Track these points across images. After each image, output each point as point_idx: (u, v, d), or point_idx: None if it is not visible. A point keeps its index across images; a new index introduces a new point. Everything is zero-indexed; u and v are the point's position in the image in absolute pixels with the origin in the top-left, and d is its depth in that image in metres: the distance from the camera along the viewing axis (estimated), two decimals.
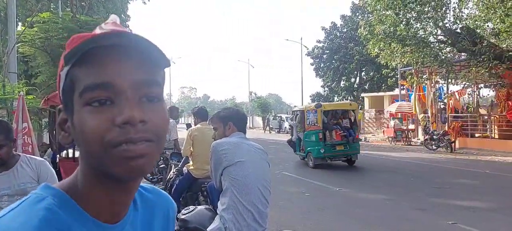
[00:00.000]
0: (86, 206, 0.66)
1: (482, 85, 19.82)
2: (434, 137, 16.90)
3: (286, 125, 31.22)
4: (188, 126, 8.16)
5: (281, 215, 6.59)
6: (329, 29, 37.12)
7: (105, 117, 0.61)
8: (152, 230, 0.79)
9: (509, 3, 13.47)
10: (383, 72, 23.57)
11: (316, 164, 12.06)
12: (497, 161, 13.63)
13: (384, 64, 18.94)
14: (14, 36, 9.62)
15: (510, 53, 14.32)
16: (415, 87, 19.85)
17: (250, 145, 2.85)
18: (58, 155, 6.46)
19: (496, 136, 17.38)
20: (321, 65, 37.75)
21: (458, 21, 16.70)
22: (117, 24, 0.66)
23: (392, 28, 16.72)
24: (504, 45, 15.62)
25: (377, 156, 15.68)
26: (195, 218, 3.07)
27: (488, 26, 16.51)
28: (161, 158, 6.85)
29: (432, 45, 17.26)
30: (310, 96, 39.87)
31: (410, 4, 15.89)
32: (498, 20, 14.49)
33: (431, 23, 16.96)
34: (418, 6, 15.92)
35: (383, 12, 17.03)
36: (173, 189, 5.22)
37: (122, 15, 21.67)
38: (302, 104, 15.00)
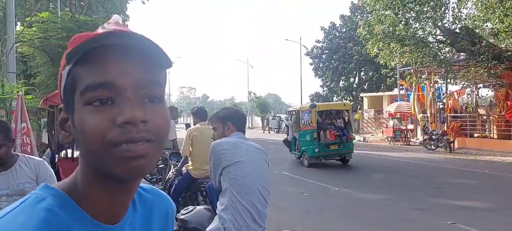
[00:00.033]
0: (85, 207, 0.66)
1: (481, 85, 19.84)
2: (433, 136, 16.92)
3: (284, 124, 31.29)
4: (187, 125, 8.15)
5: (280, 215, 6.59)
6: (328, 29, 37.12)
7: (106, 116, 0.60)
8: None
9: (508, 3, 13.49)
10: (382, 72, 23.58)
11: (310, 163, 12.27)
12: (496, 161, 13.65)
13: (383, 64, 18.95)
14: (13, 36, 9.62)
15: (509, 53, 14.34)
16: (414, 87, 19.86)
17: (249, 145, 2.85)
18: (57, 155, 6.46)
19: (495, 136, 17.41)
20: (320, 65, 37.74)
21: (457, 21, 16.72)
22: (119, 24, 0.66)
23: (391, 28, 16.74)
24: (503, 45, 15.64)
25: (376, 156, 15.70)
26: (194, 218, 3.07)
27: (487, 26, 16.52)
28: (160, 158, 6.85)
29: (431, 45, 17.28)
30: (309, 96, 39.89)
31: (409, 4, 15.90)
32: (497, 20, 14.50)
33: (430, 23, 16.97)
34: (417, 6, 15.93)
35: (382, 12, 17.04)
36: (172, 189, 5.22)
37: (121, 15, 21.63)
38: (301, 104, 15.11)
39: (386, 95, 28.44)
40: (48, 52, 11.50)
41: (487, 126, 17.88)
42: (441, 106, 20.03)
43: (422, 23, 17.10)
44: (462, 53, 16.99)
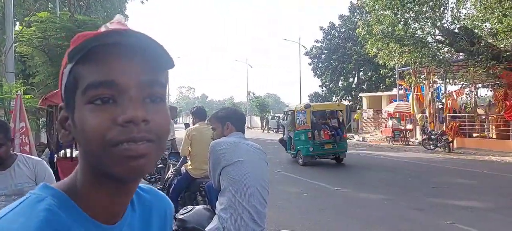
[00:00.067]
0: (85, 207, 0.66)
1: (480, 85, 19.86)
2: (432, 136, 16.94)
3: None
4: (187, 125, 8.14)
5: (279, 215, 6.59)
6: (327, 29, 37.10)
7: (107, 115, 0.60)
8: None
9: (507, 4, 13.50)
10: (381, 72, 23.53)
11: (305, 162, 12.62)
12: (495, 160, 13.67)
13: (382, 64, 18.95)
14: (12, 35, 9.60)
15: (507, 53, 14.35)
16: (413, 87, 19.89)
17: (248, 145, 2.85)
18: (56, 155, 6.45)
19: (494, 136, 17.43)
20: (319, 65, 37.73)
21: (456, 21, 16.73)
22: (122, 23, 0.65)
23: (390, 28, 16.74)
24: (502, 45, 15.65)
25: (375, 156, 15.71)
26: (193, 218, 3.07)
27: (486, 26, 16.53)
28: (159, 158, 6.83)
29: (430, 45, 17.29)
30: (309, 96, 39.86)
31: (408, 4, 15.91)
32: (495, 20, 14.51)
33: (429, 23, 16.98)
34: (416, 6, 15.94)
35: (381, 12, 17.04)
36: (171, 189, 5.21)
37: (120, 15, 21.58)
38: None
39: (385, 95, 28.45)
40: (47, 52, 11.48)
41: (486, 126, 17.90)
42: (440, 106, 20.05)
43: (421, 23, 17.11)
44: (461, 53, 17.01)
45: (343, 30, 36.21)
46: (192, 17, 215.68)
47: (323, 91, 38.14)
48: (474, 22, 16.51)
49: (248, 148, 2.82)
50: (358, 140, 24.33)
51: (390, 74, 23.72)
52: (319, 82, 38.19)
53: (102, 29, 0.62)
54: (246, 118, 30.42)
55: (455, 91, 20.36)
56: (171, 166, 5.90)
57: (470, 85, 19.59)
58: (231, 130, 2.92)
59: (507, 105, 16.07)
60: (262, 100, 46.56)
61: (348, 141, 24.12)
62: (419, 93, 20.30)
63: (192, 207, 3.31)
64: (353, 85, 36.38)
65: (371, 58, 22.17)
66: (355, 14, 34.92)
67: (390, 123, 21.88)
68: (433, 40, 17.84)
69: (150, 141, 0.62)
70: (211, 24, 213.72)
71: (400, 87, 23.72)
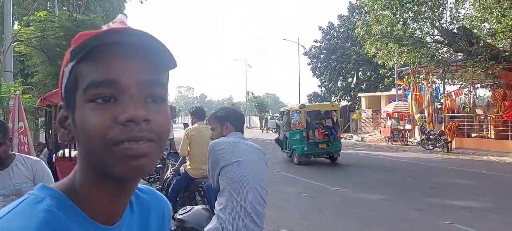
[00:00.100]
0: (84, 207, 0.65)
1: (478, 85, 19.89)
2: (431, 137, 16.96)
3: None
4: (185, 125, 8.13)
5: (278, 215, 6.59)
6: (326, 29, 37.09)
7: (108, 114, 0.60)
8: None
9: (506, 4, 13.52)
10: (380, 72, 23.54)
11: (300, 161, 12.92)
12: (494, 161, 13.68)
13: (381, 64, 18.96)
14: (10, 35, 9.59)
15: (506, 53, 14.37)
16: (412, 87, 19.90)
17: (247, 145, 2.85)
18: (54, 155, 6.43)
19: (493, 136, 17.46)
20: (318, 65, 37.71)
21: (454, 22, 16.75)
22: (124, 23, 0.65)
23: (389, 28, 16.75)
24: (501, 46, 15.68)
25: (374, 156, 15.71)
26: (192, 218, 3.06)
27: (484, 26, 16.56)
28: (160, 158, 6.81)
29: (429, 45, 17.30)
30: (307, 96, 39.84)
31: (407, 4, 15.93)
32: (494, 21, 14.54)
33: (428, 23, 17.00)
34: (415, 6, 15.96)
35: (380, 12, 17.05)
36: (170, 189, 5.21)
37: (119, 14, 21.54)
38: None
39: (384, 95, 28.47)
40: (46, 51, 11.47)
41: (484, 126, 17.94)
42: (438, 106, 20.07)
43: (420, 23, 17.12)
44: (459, 54, 17.03)
45: (342, 30, 36.21)
46: (191, 17, 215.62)
47: (322, 91, 38.13)
48: (472, 22, 16.53)
49: (247, 148, 2.82)
50: (357, 140, 24.35)
51: (389, 74, 23.75)
52: (318, 82, 38.20)
53: (104, 28, 0.62)
54: (245, 117, 30.42)
55: (453, 91, 20.37)
56: (170, 166, 5.89)
57: (469, 86, 19.60)
58: (230, 130, 2.92)
59: (506, 105, 16.10)
60: (261, 100, 46.57)
61: (347, 140, 24.36)
62: (418, 93, 20.32)
63: (191, 207, 3.30)
64: (352, 85, 36.38)
65: (370, 58, 22.19)
66: (354, 14, 34.92)
67: (389, 123, 21.90)
68: (432, 40, 17.85)
69: (152, 140, 0.62)
70: (210, 24, 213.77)
71: (399, 87, 23.73)
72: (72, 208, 0.65)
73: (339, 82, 37.03)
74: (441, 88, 20.11)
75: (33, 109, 9.40)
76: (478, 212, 6.73)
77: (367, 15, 19.89)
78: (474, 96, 20.16)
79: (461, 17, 16.88)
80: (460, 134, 17.97)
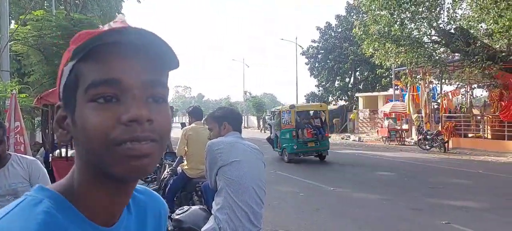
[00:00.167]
0: (82, 208, 0.65)
1: (475, 85, 19.97)
2: (428, 137, 17.01)
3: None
4: (183, 125, 8.12)
5: (275, 215, 6.59)
6: (324, 29, 37.14)
7: (110, 114, 0.59)
8: None
9: (502, 4, 13.56)
10: (377, 72, 23.63)
11: (290, 159, 13.52)
12: (490, 161, 13.73)
13: (379, 64, 19.01)
14: (7, 34, 9.55)
15: (503, 54, 14.42)
16: (409, 87, 19.94)
17: (245, 145, 2.84)
18: (51, 154, 6.41)
19: (489, 136, 17.51)
20: (316, 65, 37.74)
21: (452, 22, 16.80)
22: (125, 22, 0.65)
23: (386, 28, 16.79)
24: (497, 46, 15.73)
25: (371, 156, 15.74)
26: (189, 218, 3.06)
27: (481, 26, 16.61)
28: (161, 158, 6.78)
29: (426, 46, 17.35)
30: (305, 96, 39.89)
31: (405, 5, 15.96)
32: (491, 21, 14.58)
33: (425, 24, 17.04)
34: (413, 6, 15.99)
35: (378, 12, 17.09)
36: (167, 189, 5.19)
37: (117, 13, 21.52)
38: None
39: (381, 95, 28.54)
40: (43, 50, 11.42)
41: (481, 126, 17.98)
42: (435, 106, 20.13)
43: (417, 23, 17.16)
44: (456, 54, 17.08)
45: (340, 30, 36.25)
46: (188, 16, 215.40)
47: (319, 91, 38.16)
48: (470, 23, 16.58)
49: (245, 148, 2.81)
50: (354, 140, 24.39)
51: (386, 74, 23.85)
52: (315, 82, 38.23)
53: (106, 28, 0.62)
54: (243, 117, 30.41)
55: (450, 91, 20.45)
56: (167, 165, 5.88)
57: (466, 86, 19.68)
58: (228, 130, 2.91)
59: (502, 105, 16.16)
60: (259, 100, 46.59)
61: (344, 140, 24.40)
62: (415, 93, 20.37)
63: (188, 207, 3.29)
64: (350, 85, 36.44)
65: (368, 58, 22.22)
66: (352, 14, 34.96)
67: (386, 123, 21.95)
68: (429, 41, 17.90)
69: (154, 140, 0.61)
70: (208, 23, 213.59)
71: (396, 87, 23.79)
72: (71, 209, 0.64)
73: (336, 82, 37.07)
74: (438, 89, 20.15)
75: (29, 109, 9.36)
76: (475, 212, 6.75)
77: (365, 15, 19.93)
78: (471, 97, 20.23)
79: (458, 17, 16.94)
80: (457, 134, 18.02)
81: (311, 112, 15.38)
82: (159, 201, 0.84)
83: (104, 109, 0.60)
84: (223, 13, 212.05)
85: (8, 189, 2.44)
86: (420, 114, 19.79)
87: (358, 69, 35.80)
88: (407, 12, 16.54)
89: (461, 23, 16.77)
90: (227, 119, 2.94)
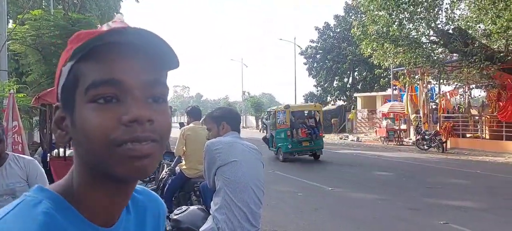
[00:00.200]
0: (82, 209, 0.64)
1: (473, 86, 19.98)
2: (426, 137, 17.04)
3: None
4: (181, 124, 8.11)
5: (273, 214, 6.59)
6: (322, 29, 37.15)
7: (111, 115, 0.59)
8: None
9: (500, 5, 13.58)
10: (375, 73, 23.66)
11: (284, 158, 13.79)
12: (488, 161, 13.76)
13: (377, 64, 19.03)
14: (5, 33, 9.51)
15: (501, 54, 14.44)
16: (407, 87, 19.97)
17: (244, 145, 2.84)
18: (49, 154, 6.40)
19: (487, 136, 17.56)
20: (314, 65, 37.75)
21: (450, 22, 16.82)
22: (124, 22, 0.64)
23: (385, 28, 16.80)
24: (495, 46, 15.75)
25: (370, 156, 15.76)
26: (187, 218, 3.05)
27: (479, 27, 16.63)
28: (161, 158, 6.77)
29: (424, 46, 17.37)
30: (303, 96, 39.90)
31: (403, 5, 15.97)
32: (489, 22, 14.60)
33: (423, 24, 17.05)
34: (411, 6, 16.00)
35: (376, 12, 17.10)
36: (165, 189, 5.19)
37: (115, 13, 21.48)
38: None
39: (379, 95, 28.56)
40: (41, 50, 11.39)
41: (479, 126, 18.02)
42: (434, 106, 20.16)
43: (415, 24, 17.18)
44: (455, 54, 17.10)
45: (338, 30, 36.27)
46: (187, 16, 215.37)
47: (318, 91, 38.17)
48: (468, 23, 16.60)
49: (244, 148, 2.81)
50: (352, 140, 24.41)
51: (384, 74, 23.87)
52: (314, 82, 38.25)
53: (105, 28, 0.61)
54: (241, 117, 30.34)
55: (449, 91, 20.48)
56: (165, 165, 5.87)
57: (464, 86, 19.71)
58: (226, 130, 2.91)
59: (500, 106, 16.20)
60: (257, 100, 46.58)
61: (342, 140, 24.42)
62: (413, 93, 20.39)
63: (187, 207, 3.29)
64: (348, 85, 36.45)
65: (366, 58, 22.25)
66: (350, 14, 34.99)
67: (384, 123, 21.97)
68: (428, 41, 17.92)
69: (154, 141, 0.61)
70: (206, 23, 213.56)
71: (394, 87, 23.82)
72: (70, 210, 0.63)
73: (335, 82, 37.09)
74: (436, 89, 20.19)
75: (27, 109, 9.34)
76: (473, 212, 6.76)
77: (363, 16, 19.93)
78: (469, 97, 20.26)
79: (457, 18, 16.96)
80: (455, 134, 18.06)
81: (306, 112, 15.71)
82: (158, 202, 0.83)
83: (105, 110, 0.59)
84: (222, 13, 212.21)
85: (5, 189, 2.43)
86: (418, 115, 19.82)
87: (357, 69, 35.82)
88: (405, 13, 16.55)
89: (459, 23, 16.79)
90: (225, 119, 2.94)
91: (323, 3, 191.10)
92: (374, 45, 17.40)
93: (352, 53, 32.34)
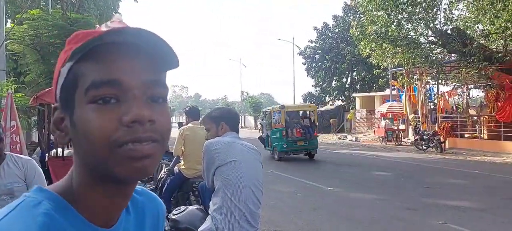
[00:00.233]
0: (82, 210, 0.64)
1: (471, 86, 20.02)
2: (424, 137, 17.06)
3: None
4: (180, 124, 8.12)
5: (272, 214, 6.59)
6: (321, 29, 37.17)
7: (111, 115, 0.59)
8: None
9: (499, 5, 13.61)
10: (374, 73, 23.66)
11: (280, 157, 14.03)
12: (486, 161, 13.78)
13: (376, 64, 19.04)
14: (3, 33, 9.50)
15: (499, 54, 14.47)
16: (405, 87, 19.99)
17: (243, 145, 2.84)
18: (47, 154, 6.39)
19: (485, 137, 17.59)
20: (313, 65, 37.77)
21: (448, 22, 16.85)
22: (123, 22, 0.64)
23: (383, 28, 16.82)
24: (494, 47, 15.79)
25: (368, 156, 15.77)
26: (186, 218, 3.05)
27: (478, 27, 16.67)
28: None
29: (423, 46, 17.40)
30: (302, 96, 39.89)
31: (402, 5, 16.00)
32: (488, 22, 14.63)
33: (422, 24, 17.08)
34: (410, 7, 16.03)
35: (375, 12, 17.11)
36: (164, 189, 5.18)
37: (113, 13, 21.43)
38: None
39: (378, 95, 28.59)
40: (39, 50, 11.36)
41: (477, 127, 18.06)
42: (432, 106, 20.19)
43: (414, 24, 17.20)
44: (453, 54, 17.14)
45: (337, 30, 36.30)
46: (185, 16, 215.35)
47: (316, 91, 38.20)
48: (466, 24, 16.63)
49: (243, 148, 2.80)
50: (351, 140, 24.42)
51: (383, 74, 23.86)
52: (312, 82, 38.27)
53: (103, 28, 0.61)
54: (240, 117, 30.46)
55: (447, 92, 20.50)
56: (164, 165, 5.86)
57: (462, 86, 19.73)
58: (225, 130, 2.91)
59: (499, 106, 16.22)
60: (256, 100, 46.61)
61: (341, 140, 24.43)
62: (411, 93, 20.42)
63: (185, 207, 3.29)
64: (347, 86, 36.48)
65: (365, 58, 22.27)
66: (349, 14, 35.03)
67: (383, 123, 21.98)
68: (426, 41, 17.95)
69: (155, 141, 0.61)
70: (205, 23, 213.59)
71: (393, 87, 23.83)
72: (70, 210, 0.63)
73: (333, 82, 37.12)
74: (435, 89, 20.22)
75: (25, 108, 9.33)
76: (471, 212, 6.77)
77: (362, 16, 19.94)
78: (468, 97, 20.29)
79: (455, 18, 16.99)
80: (453, 134, 18.09)
81: (301, 112, 15.96)
82: (157, 202, 0.83)
83: (105, 111, 0.59)
84: (220, 12, 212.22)
85: (4, 189, 2.42)
86: (416, 115, 19.84)
87: (355, 69, 35.85)
88: (404, 13, 16.58)
89: (458, 24, 16.82)
90: (224, 119, 2.93)
91: (321, 2, 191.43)
92: (372, 45, 17.42)
93: (351, 53, 32.37)
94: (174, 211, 3.20)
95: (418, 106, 19.66)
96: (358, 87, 35.23)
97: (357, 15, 27.53)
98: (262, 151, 14.68)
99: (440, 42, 16.94)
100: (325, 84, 37.06)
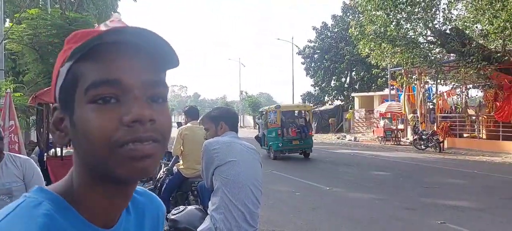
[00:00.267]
0: (82, 210, 0.64)
1: (470, 86, 20.04)
2: (423, 136, 17.07)
3: None
4: (179, 124, 8.10)
5: (271, 214, 6.59)
6: (320, 29, 37.17)
7: (112, 115, 0.58)
8: None
9: (498, 5, 13.62)
10: (373, 72, 23.69)
11: (275, 156, 14.33)
12: (485, 161, 13.80)
13: (375, 64, 19.04)
14: (2, 32, 9.48)
15: (498, 54, 14.48)
16: (404, 87, 19.99)
17: (242, 145, 2.83)
18: (45, 153, 6.38)
19: (484, 136, 17.60)
20: (312, 65, 37.77)
21: (447, 22, 16.85)
22: (122, 22, 0.64)
23: (382, 28, 16.81)
24: (492, 47, 15.79)
25: (367, 155, 15.78)
26: (185, 218, 3.04)
27: (477, 27, 16.67)
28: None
29: (421, 46, 17.39)
30: (301, 95, 39.85)
31: (401, 5, 15.99)
32: (486, 22, 14.63)
33: (421, 24, 17.08)
34: (408, 7, 16.03)
35: (374, 12, 17.10)
36: (163, 189, 5.18)
37: (112, 12, 21.41)
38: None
39: (377, 95, 28.60)
40: (38, 49, 11.34)
41: (476, 126, 18.07)
42: (431, 106, 20.19)
43: (413, 24, 17.20)
44: (452, 54, 17.14)
45: (336, 30, 36.30)
46: (184, 16, 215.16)
47: (315, 91, 38.19)
48: (465, 23, 16.64)
49: (242, 148, 2.80)
50: (350, 140, 24.43)
51: (382, 74, 23.90)
52: (311, 82, 38.28)
53: (102, 27, 0.61)
54: (239, 117, 30.45)
55: (446, 91, 20.52)
56: (163, 165, 5.86)
57: (461, 86, 19.76)
58: (224, 130, 2.90)
59: (497, 106, 16.23)
60: (255, 100, 46.60)
61: (340, 140, 24.43)
62: (410, 93, 20.42)
63: (184, 207, 3.28)
64: (346, 85, 36.49)
65: (364, 58, 22.27)
66: (348, 14, 35.03)
67: (381, 122, 22.00)
68: (425, 41, 17.95)
69: (156, 141, 0.60)
70: (204, 23, 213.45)
71: (392, 87, 23.85)
72: (70, 211, 0.63)
73: (332, 82, 37.13)
74: (434, 89, 20.22)
75: (24, 108, 9.30)
76: (470, 212, 6.78)
77: (361, 16, 19.94)
78: (466, 97, 20.31)
79: (454, 18, 16.99)
80: (452, 134, 18.10)
81: (296, 112, 16.33)
82: (157, 203, 0.83)
83: (105, 111, 0.59)
84: (219, 12, 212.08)
85: (2, 189, 2.42)
86: (415, 115, 19.86)
87: (354, 69, 35.86)
88: (403, 13, 16.57)
89: (457, 23, 16.82)
90: (223, 118, 2.93)
91: (320, 2, 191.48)
92: (371, 45, 17.41)
93: (350, 53, 32.38)
94: (173, 211, 3.20)
95: (417, 106, 19.67)
96: (357, 87, 35.23)
97: (356, 15, 27.55)
98: (258, 150, 14.95)
99: (439, 42, 16.94)
100: (324, 84, 37.06)
